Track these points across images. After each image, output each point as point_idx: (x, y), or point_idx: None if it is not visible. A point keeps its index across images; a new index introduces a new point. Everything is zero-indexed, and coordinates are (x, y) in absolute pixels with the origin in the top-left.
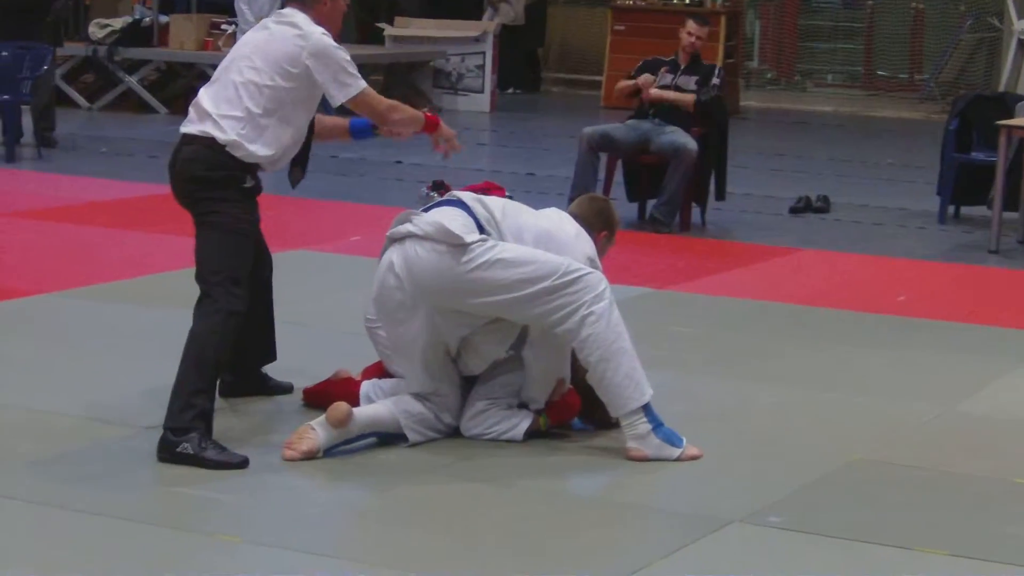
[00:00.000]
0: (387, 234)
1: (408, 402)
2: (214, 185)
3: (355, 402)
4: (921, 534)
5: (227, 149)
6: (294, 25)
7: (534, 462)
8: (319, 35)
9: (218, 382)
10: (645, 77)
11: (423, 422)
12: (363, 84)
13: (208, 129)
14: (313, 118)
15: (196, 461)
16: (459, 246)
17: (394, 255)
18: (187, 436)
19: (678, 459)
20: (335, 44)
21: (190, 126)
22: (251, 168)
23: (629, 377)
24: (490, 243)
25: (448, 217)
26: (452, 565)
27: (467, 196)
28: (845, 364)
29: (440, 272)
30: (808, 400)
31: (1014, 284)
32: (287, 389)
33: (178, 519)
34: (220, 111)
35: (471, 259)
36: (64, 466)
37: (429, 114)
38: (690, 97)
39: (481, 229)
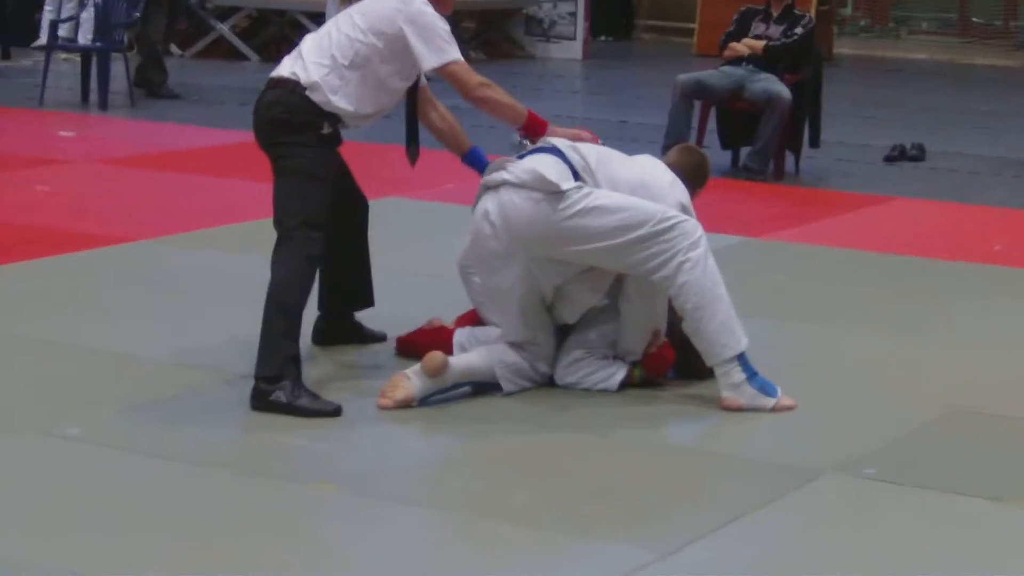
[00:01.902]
0: (481, 182)
1: (503, 351)
2: (292, 129)
3: (449, 351)
4: (1016, 486)
5: (307, 93)
6: None
7: (627, 412)
8: (420, 3)
9: (312, 329)
10: (735, 48)
11: (519, 372)
12: (458, 55)
13: (296, 70)
14: (418, 97)
15: (289, 409)
16: (555, 194)
17: (489, 203)
18: (279, 384)
19: (772, 409)
20: (436, 14)
21: (279, 69)
22: (329, 116)
23: (725, 325)
24: (585, 190)
25: (543, 164)
26: (547, 516)
27: (562, 143)
28: (940, 314)
29: (536, 220)
30: (903, 350)
31: None
32: (381, 338)
33: (271, 467)
34: (311, 56)
35: (567, 207)
36: (156, 413)
37: (536, 116)
38: (760, 43)
39: (576, 176)
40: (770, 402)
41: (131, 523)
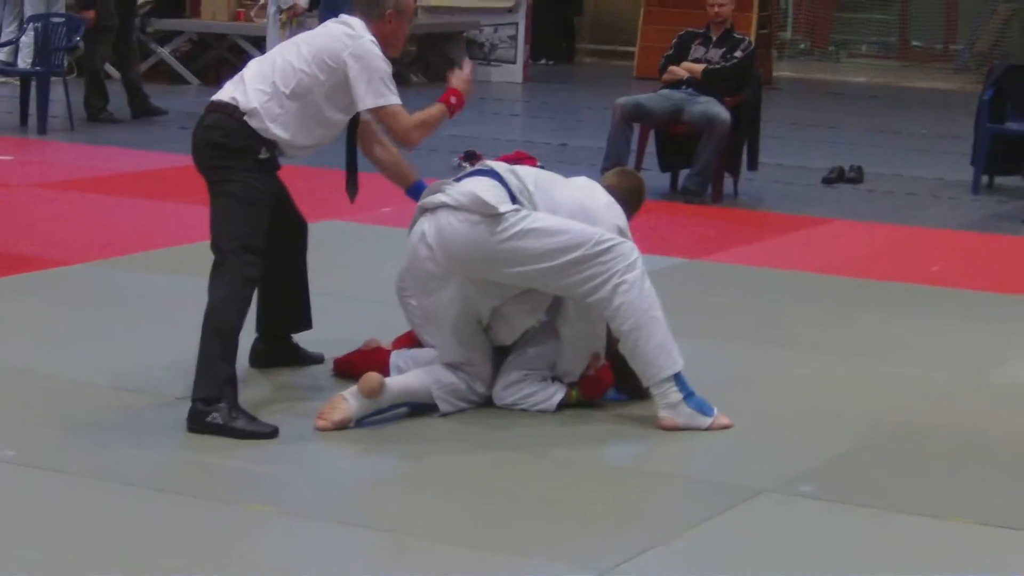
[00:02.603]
0: (419, 204)
1: (440, 372)
2: (230, 153)
3: (385, 372)
4: (953, 503)
5: (246, 118)
6: (348, 26)
7: (565, 431)
8: (368, 41)
9: (250, 351)
10: (674, 71)
11: (455, 392)
12: (397, 100)
13: (237, 95)
14: (359, 131)
15: (225, 431)
16: (492, 216)
17: (426, 225)
18: (216, 406)
19: (709, 428)
20: (381, 56)
21: (220, 93)
22: (267, 142)
23: (661, 346)
24: (523, 213)
25: (481, 187)
26: (484, 535)
27: (500, 166)
28: (878, 333)
29: (473, 242)
30: (841, 369)
31: None
32: (318, 360)
33: (207, 488)
34: (253, 83)
35: (504, 229)
36: (93, 435)
37: (453, 101)
38: (699, 67)
39: (514, 199)
40: (706, 421)
41: (65, 545)
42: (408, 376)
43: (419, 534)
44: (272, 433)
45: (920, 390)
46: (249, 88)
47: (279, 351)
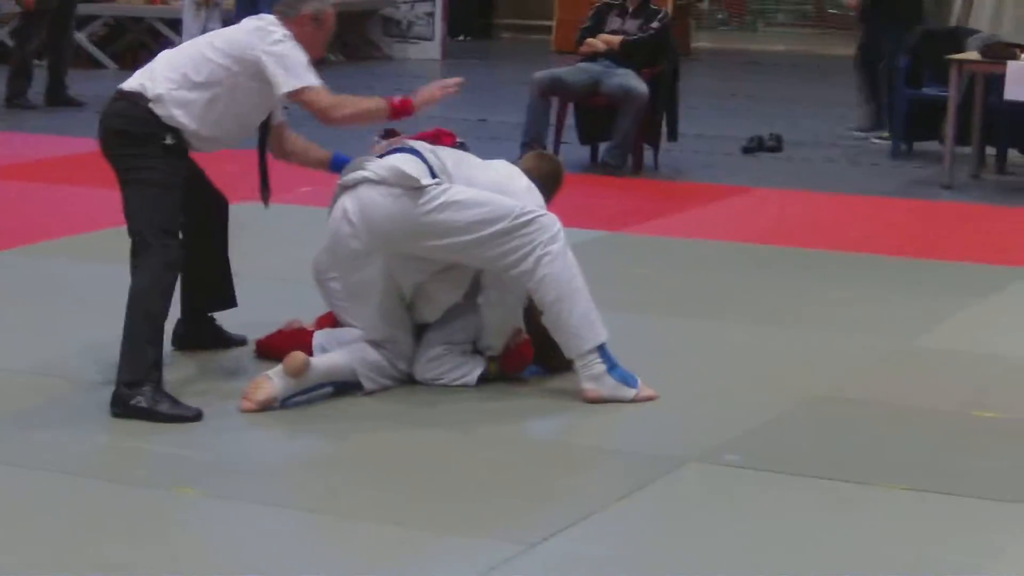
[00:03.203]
0: (339, 182)
1: (364, 350)
2: (135, 141)
3: (308, 352)
4: (881, 470)
5: (151, 105)
6: (264, 20)
7: (489, 407)
8: (282, 34)
9: (172, 334)
10: (591, 44)
11: (378, 370)
12: (315, 82)
13: (144, 82)
14: (270, 136)
15: (150, 415)
16: (414, 189)
17: (347, 202)
18: (140, 390)
19: (633, 400)
20: (297, 46)
21: (129, 81)
22: (172, 130)
23: (585, 317)
24: (444, 186)
25: (402, 161)
26: (411, 513)
27: (420, 145)
28: (801, 301)
29: (395, 215)
30: (765, 338)
31: (968, 218)
32: (240, 342)
33: (131, 473)
34: (163, 71)
35: (426, 201)
36: (14, 423)
37: (398, 102)
38: (617, 38)
39: (433, 176)
40: (631, 392)
41: None
42: (332, 355)
43: (345, 514)
44: (196, 416)
45: (846, 358)
46: (158, 76)
47: (201, 332)
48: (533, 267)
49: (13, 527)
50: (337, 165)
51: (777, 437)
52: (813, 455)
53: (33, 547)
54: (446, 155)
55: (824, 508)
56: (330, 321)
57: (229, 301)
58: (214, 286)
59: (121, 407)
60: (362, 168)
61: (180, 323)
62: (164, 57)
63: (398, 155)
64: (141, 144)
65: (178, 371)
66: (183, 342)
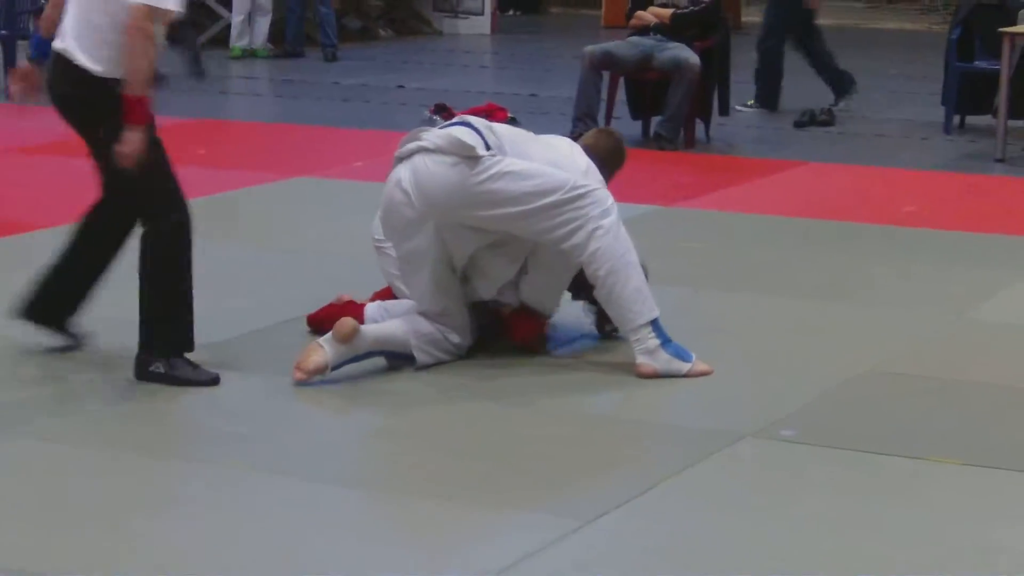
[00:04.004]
0: (395, 154)
1: (418, 321)
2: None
3: (360, 323)
4: (933, 444)
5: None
6: None
7: (543, 381)
8: None
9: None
10: (641, 17)
11: (433, 343)
12: (166, 5)
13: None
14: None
15: (168, 379)
16: (470, 158)
17: (402, 171)
18: (161, 359)
19: (687, 374)
20: None
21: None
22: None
23: (639, 291)
24: (499, 157)
25: (459, 131)
26: (466, 489)
27: (477, 120)
28: (853, 276)
29: (449, 184)
30: (817, 313)
31: (1020, 192)
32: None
33: (186, 450)
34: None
35: (480, 171)
36: (60, 400)
37: (134, 101)
38: (667, 11)
39: (488, 150)
40: (685, 367)
41: (54, 508)
42: (386, 324)
43: (400, 490)
44: (213, 380)
45: (899, 333)
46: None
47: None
48: (585, 240)
49: (54, 503)
50: (36, 47)
51: (831, 412)
52: (867, 430)
53: (89, 521)
54: (502, 131)
55: (879, 482)
56: (386, 295)
57: (76, 311)
58: (69, 301)
59: (141, 373)
60: (418, 139)
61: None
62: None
63: (455, 127)
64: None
65: (227, 349)
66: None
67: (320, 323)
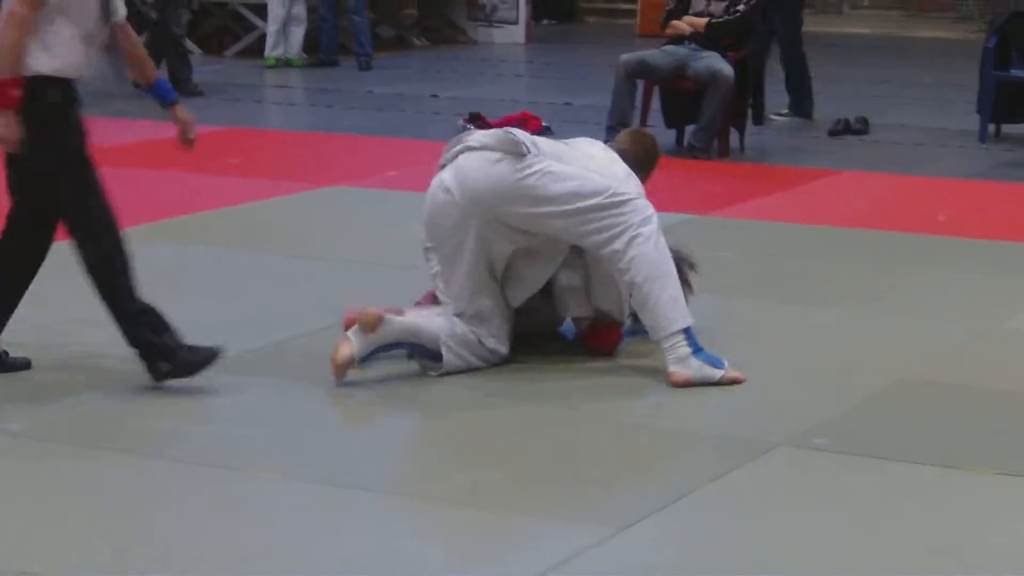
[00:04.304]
0: (440, 161)
1: (453, 322)
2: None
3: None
4: (967, 453)
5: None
6: None
7: (574, 387)
8: None
9: None
10: (676, 26)
11: (465, 344)
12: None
13: None
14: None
15: (176, 372)
16: (514, 154)
17: (445, 174)
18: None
19: (719, 382)
20: None
21: None
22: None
23: (674, 299)
24: (541, 157)
25: (504, 131)
26: (500, 496)
27: (519, 132)
28: (888, 285)
29: (492, 178)
30: (851, 321)
31: None
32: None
33: (212, 456)
34: None
35: (524, 166)
36: (73, 403)
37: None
38: (702, 20)
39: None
40: (717, 374)
41: (61, 511)
42: (416, 316)
43: (434, 497)
44: (214, 354)
45: (932, 342)
46: None
47: None
48: (625, 247)
49: (75, 510)
50: (161, 91)
51: (865, 421)
52: (901, 439)
53: (110, 528)
54: (544, 144)
55: (912, 492)
56: (429, 300)
57: None
58: None
59: (156, 376)
60: (461, 141)
61: None
62: None
63: (497, 130)
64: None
65: (261, 357)
66: None
67: (354, 323)
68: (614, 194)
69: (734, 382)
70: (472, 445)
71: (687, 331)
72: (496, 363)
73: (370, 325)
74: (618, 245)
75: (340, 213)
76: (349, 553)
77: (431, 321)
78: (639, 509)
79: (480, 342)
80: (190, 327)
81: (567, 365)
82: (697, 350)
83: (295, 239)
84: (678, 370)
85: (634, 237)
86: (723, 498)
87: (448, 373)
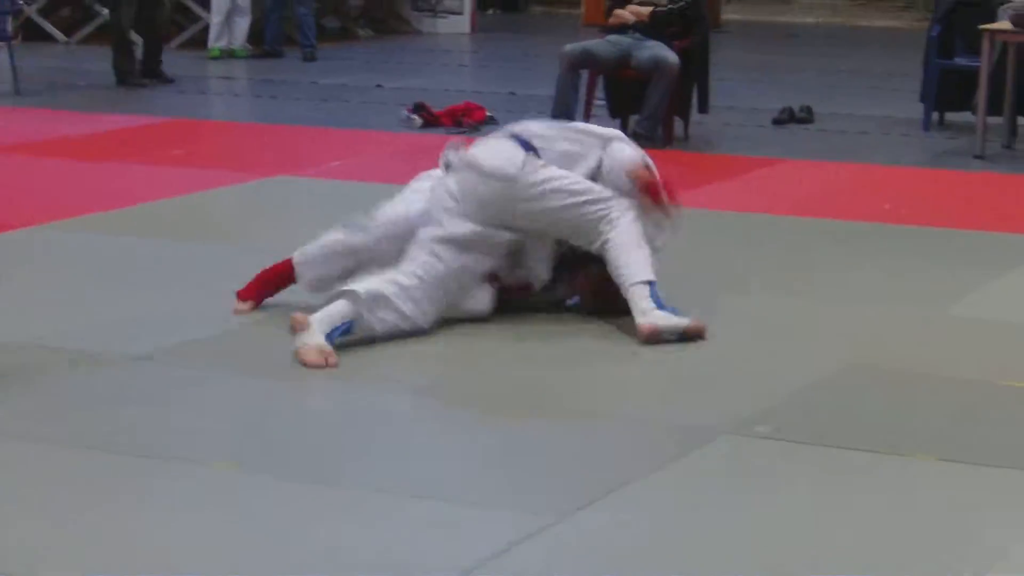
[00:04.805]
0: (442, 162)
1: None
2: None
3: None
4: (911, 439)
5: None
6: None
7: (516, 378)
8: None
9: None
10: (620, 15)
11: (377, 300)
12: None
13: None
14: None
15: None
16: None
17: (450, 181)
18: None
19: (686, 330)
20: None
21: None
22: None
23: (645, 258)
24: (538, 175)
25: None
26: (439, 485)
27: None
28: (832, 272)
29: (494, 195)
30: (795, 309)
31: (1000, 189)
32: None
33: (168, 449)
34: None
35: (521, 189)
36: (43, 398)
37: None
38: (646, 9)
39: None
40: (684, 321)
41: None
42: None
43: (367, 487)
44: None
45: (877, 328)
46: None
47: None
48: (617, 217)
49: (39, 504)
50: None
51: (808, 408)
52: (843, 426)
53: (72, 526)
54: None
55: (854, 479)
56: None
57: None
58: None
59: None
60: (459, 154)
61: None
62: None
63: (501, 143)
64: None
65: (200, 348)
66: None
67: (253, 292)
68: (602, 191)
69: (698, 331)
70: (419, 435)
71: (652, 286)
72: (409, 331)
73: (301, 325)
74: (602, 226)
75: (284, 203)
76: (302, 546)
77: (340, 303)
78: (580, 498)
79: (397, 300)
80: (136, 319)
81: (505, 356)
82: (660, 306)
83: (239, 229)
84: (644, 321)
85: (617, 217)
86: (665, 487)
87: (374, 335)
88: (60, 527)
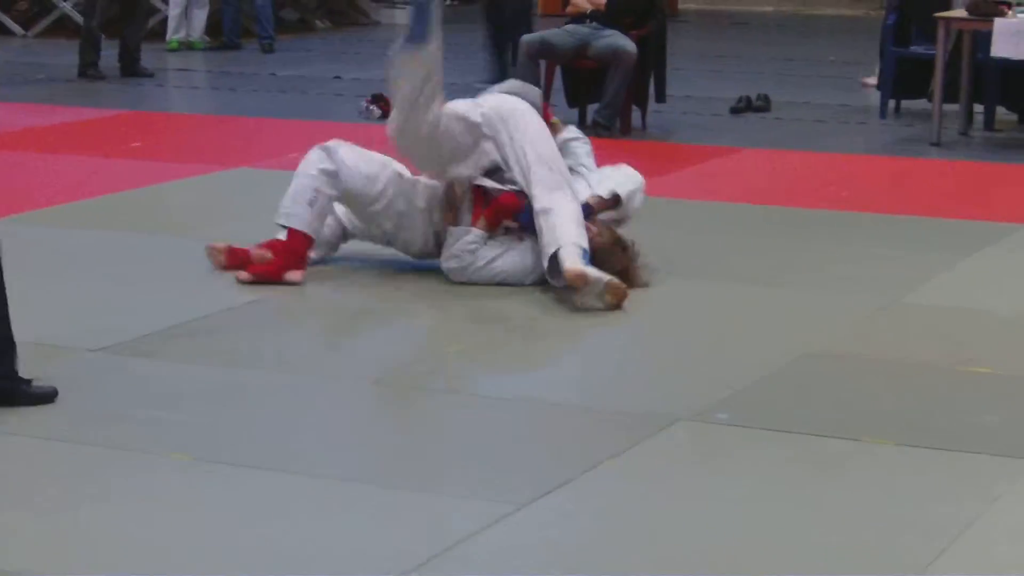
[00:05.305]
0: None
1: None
2: None
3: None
4: (870, 426)
5: None
6: None
7: (471, 365)
8: None
9: None
10: (577, 4)
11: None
12: None
13: None
14: None
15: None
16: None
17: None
18: None
19: (607, 285)
20: None
21: None
22: None
23: (579, 227)
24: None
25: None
26: (396, 473)
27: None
28: (790, 260)
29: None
30: (753, 297)
31: (956, 176)
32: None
33: (125, 440)
34: None
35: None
36: None
37: None
38: None
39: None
40: (605, 277)
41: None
42: None
43: (329, 475)
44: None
45: (836, 315)
46: None
47: None
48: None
49: (22, 498)
50: None
51: (766, 395)
52: (802, 412)
53: (29, 514)
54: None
55: (813, 465)
56: None
57: None
58: None
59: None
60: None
61: None
62: None
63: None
64: None
65: (159, 340)
66: None
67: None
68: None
69: (618, 289)
70: (372, 423)
71: (584, 251)
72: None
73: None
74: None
75: (243, 195)
76: (243, 533)
77: None
78: (539, 486)
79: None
80: (93, 311)
81: (463, 343)
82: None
83: (197, 221)
84: (573, 265)
85: (565, 192)
86: (624, 474)
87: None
88: (30, 518)
